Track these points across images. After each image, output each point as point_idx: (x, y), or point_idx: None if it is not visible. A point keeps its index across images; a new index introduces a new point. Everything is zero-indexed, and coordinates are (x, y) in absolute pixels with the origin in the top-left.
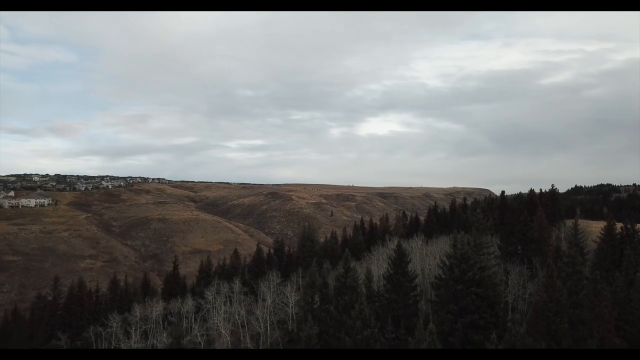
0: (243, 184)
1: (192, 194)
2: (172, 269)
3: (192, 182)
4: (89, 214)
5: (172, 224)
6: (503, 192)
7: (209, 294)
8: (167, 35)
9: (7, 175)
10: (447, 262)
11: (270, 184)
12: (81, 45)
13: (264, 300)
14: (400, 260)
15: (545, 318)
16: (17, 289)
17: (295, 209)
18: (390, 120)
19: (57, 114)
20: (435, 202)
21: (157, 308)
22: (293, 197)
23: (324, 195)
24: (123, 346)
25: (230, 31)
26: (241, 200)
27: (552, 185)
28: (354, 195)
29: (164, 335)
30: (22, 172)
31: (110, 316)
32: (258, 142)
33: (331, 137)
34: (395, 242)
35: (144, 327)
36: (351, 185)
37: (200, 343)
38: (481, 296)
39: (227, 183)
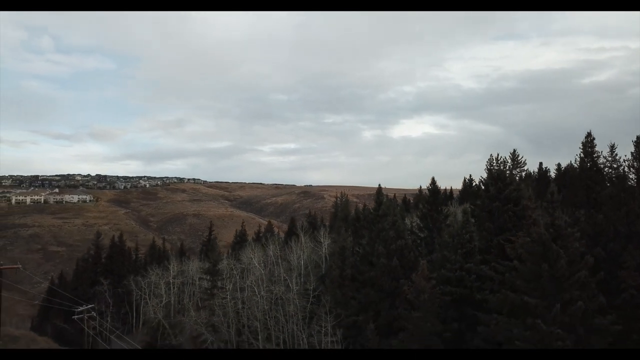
0: (276, 184)
1: (226, 193)
2: (207, 234)
3: (226, 182)
4: (128, 210)
5: (207, 219)
6: None
7: (244, 256)
8: (202, 41)
9: (53, 175)
10: (484, 182)
11: (302, 185)
12: (120, 53)
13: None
14: (434, 197)
15: None
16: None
17: (327, 207)
18: (424, 122)
19: (97, 120)
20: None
21: (193, 264)
22: (325, 195)
23: (355, 195)
24: (164, 295)
25: (263, 36)
26: (274, 199)
27: None
28: (387, 195)
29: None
30: (65, 173)
31: (149, 268)
32: (290, 145)
33: (363, 140)
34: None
35: (180, 279)
36: (384, 187)
37: (236, 275)
38: (517, 214)
39: (260, 183)
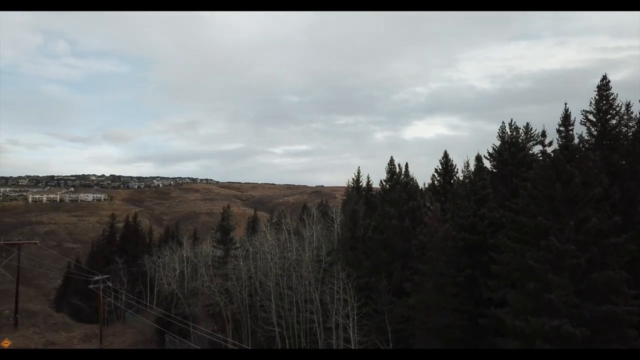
0: (288, 184)
1: (238, 193)
2: (220, 219)
3: (238, 182)
4: (141, 209)
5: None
6: None
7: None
8: (216, 44)
9: (68, 176)
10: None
11: (313, 186)
12: (134, 56)
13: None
14: (446, 169)
15: None
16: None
17: (339, 206)
18: (437, 124)
19: (111, 123)
20: None
21: (206, 247)
22: (337, 195)
23: None
24: (177, 267)
25: (277, 38)
26: (286, 198)
27: None
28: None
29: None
30: (81, 174)
31: (163, 249)
32: (302, 147)
33: (375, 141)
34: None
35: (194, 261)
36: None
37: (248, 245)
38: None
39: (272, 184)
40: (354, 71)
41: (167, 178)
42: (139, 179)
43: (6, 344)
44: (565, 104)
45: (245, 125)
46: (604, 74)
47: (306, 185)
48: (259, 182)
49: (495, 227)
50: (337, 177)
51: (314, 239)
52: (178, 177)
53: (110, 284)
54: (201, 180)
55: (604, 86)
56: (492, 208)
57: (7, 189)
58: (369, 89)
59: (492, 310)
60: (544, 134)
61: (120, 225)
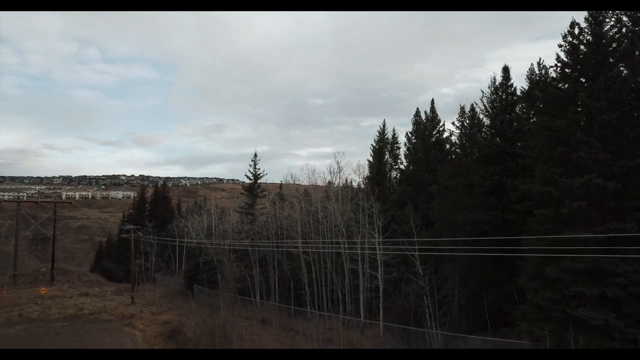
0: (314, 185)
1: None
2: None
3: (264, 183)
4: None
5: None
6: None
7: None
8: (242, 48)
9: (99, 175)
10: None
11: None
12: (162, 61)
13: None
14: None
15: None
16: None
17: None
18: None
19: (140, 127)
20: None
21: (234, 215)
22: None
23: None
24: (205, 220)
25: (301, 41)
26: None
27: None
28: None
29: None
30: (111, 174)
31: (190, 216)
32: (327, 149)
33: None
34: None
35: (221, 228)
36: None
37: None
38: None
39: (298, 184)
40: (379, 72)
41: (194, 178)
42: (167, 179)
43: (43, 291)
44: None
45: (271, 129)
46: None
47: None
48: (284, 182)
49: (522, 133)
50: None
51: (339, 192)
52: (205, 177)
53: (140, 234)
54: (227, 180)
55: None
56: (520, 117)
57: (42, 187)
58: (394, 90)
59: (519, 206)
60: None
61: (150, 193)
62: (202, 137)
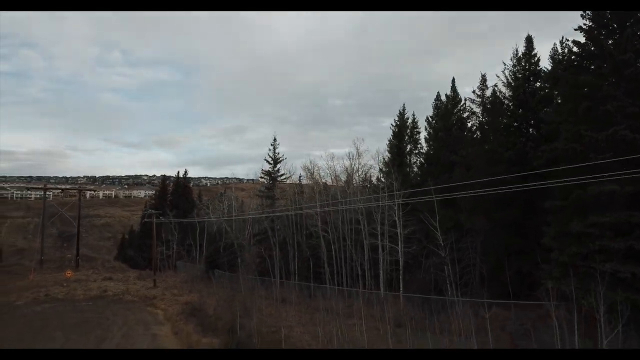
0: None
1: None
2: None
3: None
4: None
5: None
6: None
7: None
8: (263, 50)
9: (122, 175)
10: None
11: None
12: (184, 64)
13: None
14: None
15: None
16: None
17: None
18: None
19: (162, 129)
20: None
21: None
22: None
23: None
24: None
25: (321, 42)
26: None
27: None
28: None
29: None
30: (134, 174)
31: (211, 203)
32: (346, 150)
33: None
34: None
35: (241, 219)
36: None
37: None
38: None
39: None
40: (399, 72)
41: (215, 178)
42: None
43: (69, 274)
44: None
45: (290, 130)
46: None
47: None
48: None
49: (545, 103)
50: None
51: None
52: (225, 177)
53: (162, 218)
54: (247, 180)
55: None
56: (543, 88)
57: (68, 186)
58: (414, 90)
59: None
60: None
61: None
62: (223, 138)
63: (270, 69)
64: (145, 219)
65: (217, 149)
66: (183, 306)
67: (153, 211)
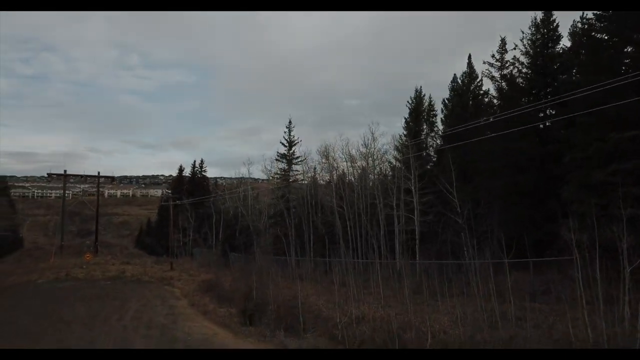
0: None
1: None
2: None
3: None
4: None
5: None
6: None
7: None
8: (278, 50)
9: (139, 175)
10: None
11: None
12: (201, 66)
13: None
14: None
15: None
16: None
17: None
18: None
19: (179, 130)
20: None
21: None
22: None
23: None
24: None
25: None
26: None
27: None
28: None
29: None
30: (151, 174)
31: (227, 191)
32: (362, 150)
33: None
34: None
35: (257, 207)
36: None
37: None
38: None
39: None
40: (416, 72)
41: (231, 178)
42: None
43: (88, 257)
44: None
45: (306, 130)
46: None
47: None
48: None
49: (565, 67)
50: None
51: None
52: (241, 177)
53: (179, 202)
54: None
55: None
56: (563, 53)
57: (86, 186)
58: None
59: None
60: None
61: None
62: (240, 139)
63: (286, 70)
64: (163, 203)
65: (233, 150)
66: (200, 284)
67: (170, 194)
